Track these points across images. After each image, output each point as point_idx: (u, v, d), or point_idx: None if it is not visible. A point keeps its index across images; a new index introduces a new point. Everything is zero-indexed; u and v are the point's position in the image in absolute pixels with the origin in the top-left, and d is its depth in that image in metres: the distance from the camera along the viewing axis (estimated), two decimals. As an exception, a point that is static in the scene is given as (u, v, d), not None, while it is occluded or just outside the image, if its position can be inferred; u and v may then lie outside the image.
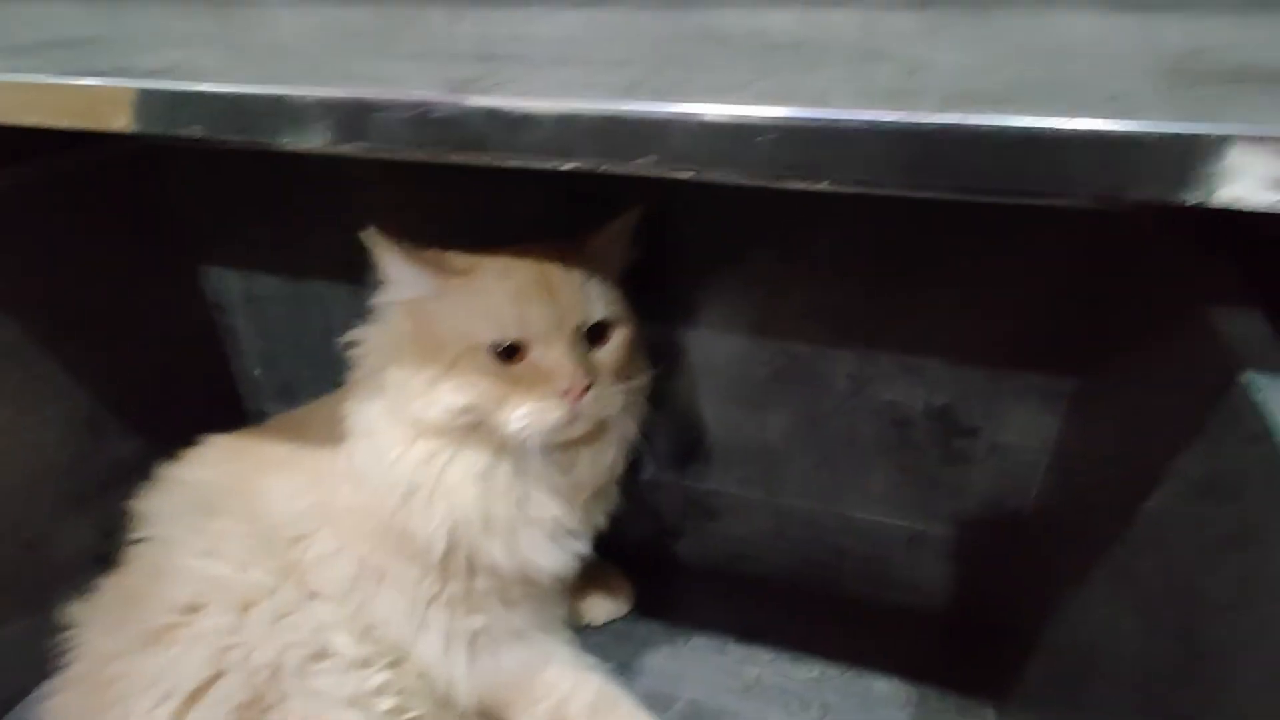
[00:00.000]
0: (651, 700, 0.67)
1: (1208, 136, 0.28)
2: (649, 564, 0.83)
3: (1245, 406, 0.34)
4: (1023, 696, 0.61)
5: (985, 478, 0.67)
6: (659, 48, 0.45)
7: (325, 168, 0.74)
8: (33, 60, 0.47)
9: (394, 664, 0.61)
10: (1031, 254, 0.57)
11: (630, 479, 0.64)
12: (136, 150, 0.76)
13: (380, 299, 0.58)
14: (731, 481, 0.78)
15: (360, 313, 0.61)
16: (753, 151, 0.31)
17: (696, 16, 0.53)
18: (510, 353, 0.53)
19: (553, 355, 0.53)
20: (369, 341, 0.60)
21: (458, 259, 0.56)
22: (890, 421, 0.68)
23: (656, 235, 0.63)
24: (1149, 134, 0.28)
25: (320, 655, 0.58)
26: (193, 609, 0.58)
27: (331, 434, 0.62)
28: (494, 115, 0.35)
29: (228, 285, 0.85)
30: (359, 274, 0.59)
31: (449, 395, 0.54)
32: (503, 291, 0.53)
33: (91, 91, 0.41)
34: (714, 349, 0.70)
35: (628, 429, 0.61)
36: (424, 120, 0.36)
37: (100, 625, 0.59)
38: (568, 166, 0.35)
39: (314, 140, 0.39)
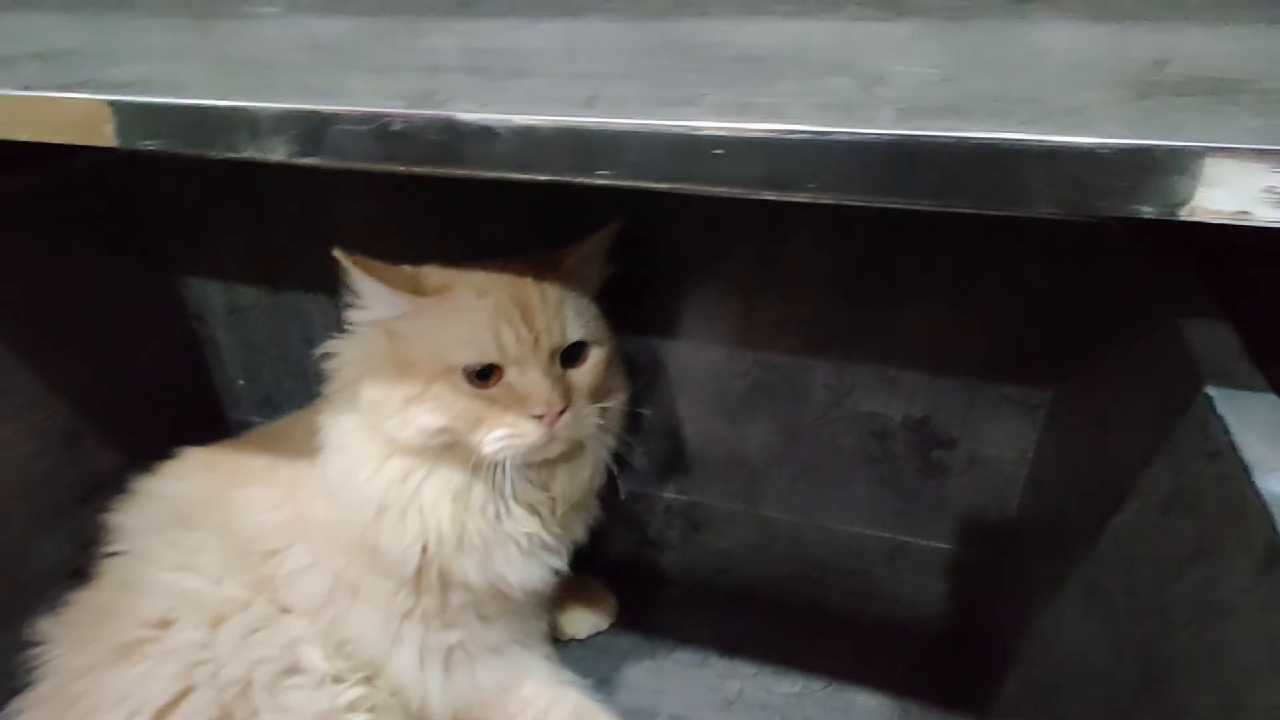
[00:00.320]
0: (632, 715, 0.67)
1: (1161, 149, 0.27)
2: (631, 577, 0.82)
3: (1207, 421, 0.33)
4: (1003, 711, 0.60)
5: (965, 490, 0.67)
6: (624, 60, 0.45)
7: (304, 180, 0.74)
8: (3, 74, 0.47)
9: (367, 680, 0.61)
10: (1007, 265, 0.57)
11: (611, 492, 0.64)
12: (115, 161, 0.76)
13: (353, 317, 0.57)
14: (713, 494, 0.77)
15: (340, 325, 0.60)
16: (706, 165, 0.31)
17: (670, 29, 0.53)
18: (486, 374, 0.52)
19: (528, 378, 0.52)
20: (343, 355, 0.59)
21: (433, 275, 0.55)
22: (869, 433, 0.67)
23: (634, 248, 0.63)
24: (1102, 147, 0.28)
25: (291, 671, 0.57)
26: (164, 624, 0.57)
27: (308, 447, 0.61)
28: (450, 128, 0.35)
29: (209, 296, 0.85)
30: (339, 286, 0.58)
31: (424, 416, 0.53)
32: (478, 313, 0.52)
33: (55, 105, 0.41)
34: (693, 361, 0.70)
35: (606, 445, 0.60)
36: (383, 133, 0.36)
37: (70, 641, 0.59)
38: (525, 179, 0.34)
39: (276, 153, 0.38)
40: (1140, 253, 0.47)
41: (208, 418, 0.91)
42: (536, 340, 0.52)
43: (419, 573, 0.57)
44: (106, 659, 0.55)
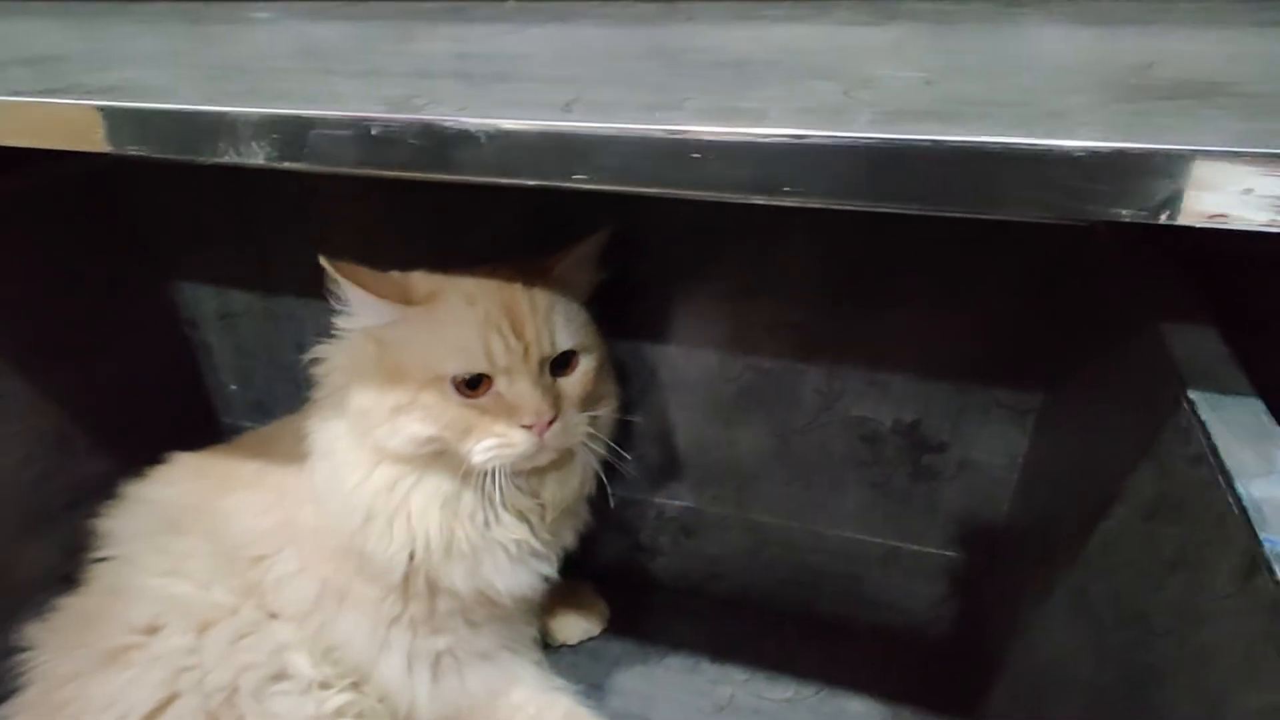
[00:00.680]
0: (622, 721, 0.67)
1: (1141, 152, 0.27)
2: (623, 582, 0.82)
3: (1190, 426, 0.33)
4: (994, 717, 0.60)
5: (956, 495, 0.67)
6: (608, 65, 0.45)
7: (296, 185, 0.74)
8: (-10, 79, 0.47)
9: (354, 686, 0.60)
10: (997, 269, 0.57)
11: (601, 498, 0.63)
12: (108, 166, 0.76)
13: (341, 324, 0.57)
14: (705, 499, 0.77)
15: (332, 330, 0.60)
16: (685, 169, 0.31)
17: (658, 34, 0.53)
18: (475, 383, 0.52)
19: (518, 388, 0.52)
20: (331, 361, 0.59)
21: (422, 282, 0.55)
22: (860, 437, 0.67)
23: (624, 253, 0.63)
24: (1081, 150, 0.27)
25: (278, 677, 0.57)
26: (151, 629, 0.57)
27: (297, 453, 0.61)
28: (428, 132, 0.34)
29: (201, 301, 0.85)
30: (330, 291, 0.58)
31: (413, 425, 0.52)
32: (467, 323, 0.52)
33: (36, 110, 0.41)
34: (683, 365, 0.70)
35: (596, 452, 0.60)
36: (363, 138, 0.36)
37: (57, 646, 0.59)
38: (503, 183, 0.34)
39: (257, 157, 0.38)
40: (1126, 257, 0.47)
41: (200, 423, 0.91)
42: (526, 350, 0.52)
43: (406, 579, 0.57)
44: (93, 665, 0.55)
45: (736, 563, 0.79)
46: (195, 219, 0.80)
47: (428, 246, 0.72)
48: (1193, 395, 0.34)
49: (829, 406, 0.67)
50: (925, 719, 0.70)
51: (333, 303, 0.55)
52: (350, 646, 0.61)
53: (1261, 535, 0.27)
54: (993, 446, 0.63)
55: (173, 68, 0.51)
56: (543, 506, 0.59)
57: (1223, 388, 0.34)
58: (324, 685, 0.59)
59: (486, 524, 0.57)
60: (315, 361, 0.60)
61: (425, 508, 0.55)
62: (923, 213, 0.31)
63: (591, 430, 0.57)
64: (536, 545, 0.59)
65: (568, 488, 0.60)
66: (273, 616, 0.60)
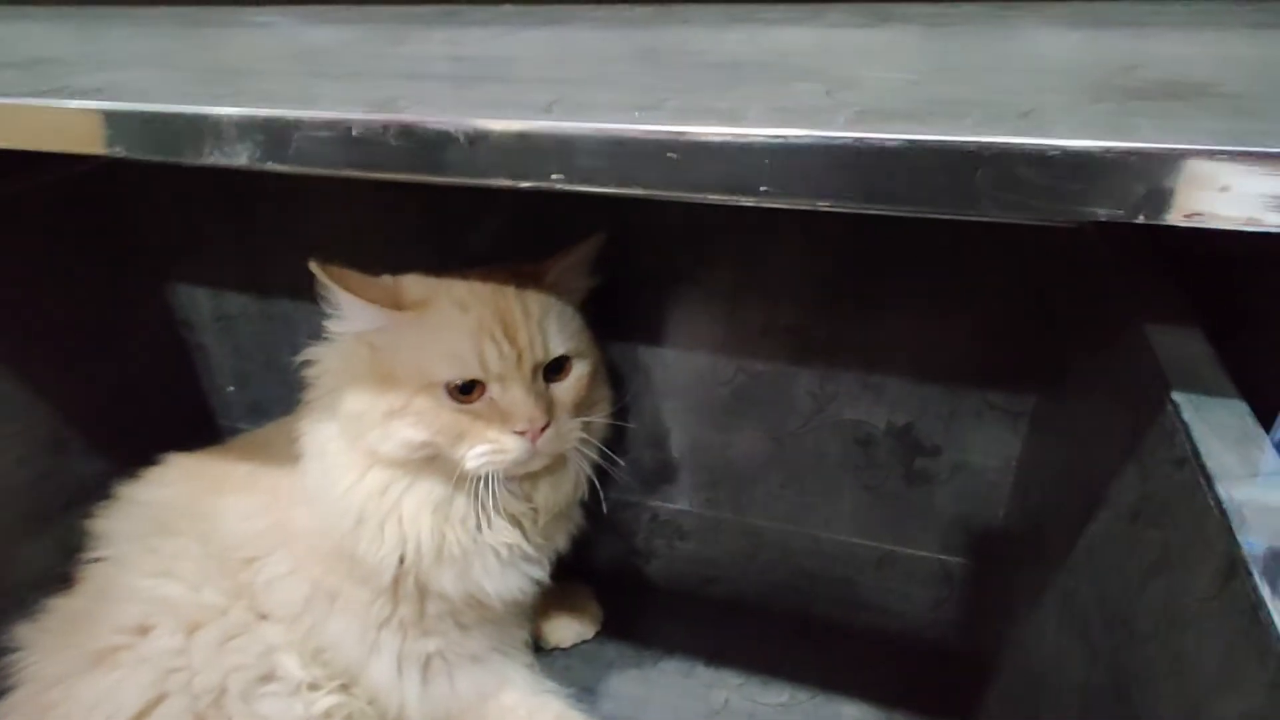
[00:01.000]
0: (615, 725, 0.66)
1: (1112, 150, 0.27)
2: (618, 585, 0.82)
3: (1174, 428, 0.33)
4: (987, 723, 0.60)
5: (951, 498, 0.66)
6: (595, 67, 0.44)
7: (291, 187, 0.74)
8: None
9: (343, 688, 0.60)
10: (989, 271, 0.57)
11: (595, 500, 0.63)
12: (103, 170, 0.76)
13: (333, 327, 0.57)
14: (700, 502, 0.77)
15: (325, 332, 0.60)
16: (660, 168, 0.31)
17: (650, 37, 0.53)
18: (468, 389, 0.52)
19: (511, 394, 0.52)
20: (323, 363, 0.59)
21: (414, 286, 0.55)
22: (854, 440, 0.67)
23: (617, 256, 0.63)
24: (1052, 148, 0.27)
25: (267, 678, 0.57)
26: (141, 630, 0.57)
27: (290, 455, 0.61)
28: (408, 133, 0.34)
29: (197, 303, 0.85)
30: (321, 295, 0.58)
31: (406, 430, 0.52)
32: (460, 329, 0.52)
33: (16, 112, 0.41)
34: (677, 368, 0.70)
35: (589, 456, 0.59)
36: (344, 139, 0.36)
37: (46, 648, 0.59)
38: (481, 184, 0.34)
39: (239, 159, 0.38)
40: (1114, 257, 0.47)
41: (197, 424, 0.91)
42: (519, 356, 0.52)
43: (396, 581, 0.57)
44: (81, 666, 0.55)
45: (731, 566, 0.79)
46: (191, 221, 0.81)
47: (423, 249, 0.72)
48: (1176, 397, 0.34)
49: (822, 409, 0.67)
50: (920, 724, 0.69)
51: (324, 307, 0.56)
52: (340, 648, 0.60)
53: (1240, 538, 0.27)
54: (986, 449, 0.63)
55: (162, 69, 0.51)
56: (535, 511, 0.59)
57: (1207, 389, 0.34)
58: (313, 687, 0.59)
59: (478, 528, 0.56)
60: (307, 364, 0.60)
61: (417, 512, 0.55)
62: (902, 214, 0.30)
63: (585, 435, 0.57)
64: (528, 549, 0.59)
65: (560, 492, 0.60)
66: (263, 618, 0.60)
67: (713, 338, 0.67)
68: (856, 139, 0.29)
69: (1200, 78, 0.36)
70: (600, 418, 0.60)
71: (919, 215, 0.50)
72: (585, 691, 0.72)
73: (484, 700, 0.64)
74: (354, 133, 0.35)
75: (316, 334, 0.60)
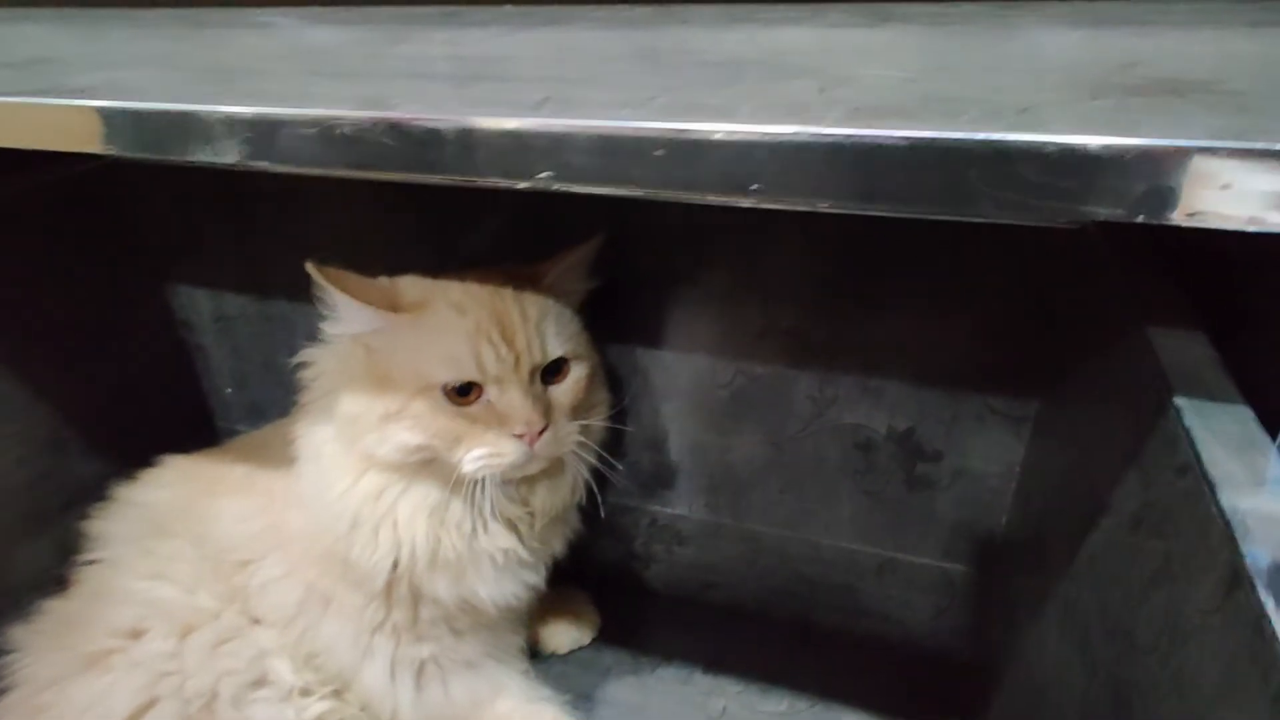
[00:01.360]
0: (613, 732, 0.66)
1: (1109, 147, 0.26)
2: (616, 591, 0.81)
3: (1176, 435, 0.32)
4: (989, 734, 0.59)
5: (952, 504, 0.65)
6: (590, 66, 0.44)
7: (290, 188, 0.74)
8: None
9: (336, 693, 0.60)
10: (991, 273, 0.56)
11: (593, 505, 0.63)
12: (101, 168, 0.76)
13: (329, 329, 0.56)
14: (699, 506, 0.76)
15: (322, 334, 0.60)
16: (648, 166, 0.30)
17: (649, 37, 0.52)
18: (465, 391, 0.51)
19: (508, 397, 0.51)
20: (319, 365, 0.59)
21: (411, 288, 0.54)
22: (854, 445, 0.66)
23: (616, 258, 0.62)
24: (1048, 144, 0.27)
25: (259, 683, 0.57)
26: (134, 633, 0.57)
27: (286, 457, 0.61)
28: (395, 131, 0.34)
29: (196, 304, 0.85)
30: (318, 297, 0.58)
31: (402, 433, 0.52)
32: (457, 332, 0.51)
33: (6, 110, 0.41)
34: (676, 370, 0.69)
35: (587, 460, 0.59)
36: (331, 137, 0.36)
37: (40, 650, 0.58)
38: (469, 182, 0.34)
39: (227, 156, 0.38)
40: (1117, 258, 0.46)
41: (196, 426, 0.91)
42: (517, 359, 0.51)
43: (390, 586, 0.57)
44: (74, 669, 0.55)
45: (731, 572, 0.78)
46: (191, 222, 0.81)
47: (422, 250, 0.72)
48: (1179, 402, 0.33)
49: (822, 413, 0.66)
50: (920, 733, 0.68)
51: (321, 309, 0.55)
52: (333, 653, 0.60)
53: (1244, 549, 0.26)
54: (988, 455, 0.62)
55: (157, 69, 0.51)
56: (532, 515, 0.58)
57: (1210, 394, 0.33)
58: (305, 692, 0.58)
59: (474, 533, 0.56)
60: (303, 365, 0.60)
61: (412, 516, 0.55)
62: (899, 214, 0.30)
63: (583, 439, 0.56)
64: (524, 554, 0.59)
65: (558, 496, 0.59)
66: (255, 622, 0.60)
67: (712, 340, 0.66)
68: (847, 135, 0.28)
69: (1201, 75, 0.35)
70: (598, 421, 0.59)
71: (917, 216, 0.50)
72: (582, 698, 0.71)
73: (478, 707, 0.63)
74: (342, 131, 0.35)
75: (314, 336, 0.60)
